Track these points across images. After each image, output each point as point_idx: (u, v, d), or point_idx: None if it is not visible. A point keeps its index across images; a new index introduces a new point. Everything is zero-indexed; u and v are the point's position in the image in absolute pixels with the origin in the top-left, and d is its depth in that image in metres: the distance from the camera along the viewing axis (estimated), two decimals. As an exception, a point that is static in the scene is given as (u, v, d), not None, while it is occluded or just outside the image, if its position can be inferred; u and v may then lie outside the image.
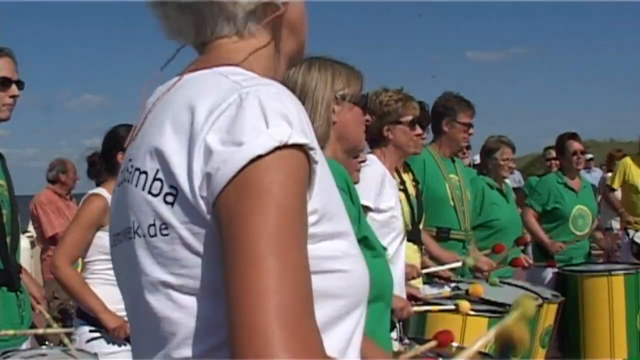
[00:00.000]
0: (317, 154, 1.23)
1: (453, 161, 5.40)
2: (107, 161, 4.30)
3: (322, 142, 2.39)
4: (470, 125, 5.33)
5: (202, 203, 1.18)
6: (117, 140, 4.12)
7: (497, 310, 4.29)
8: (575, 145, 6.62)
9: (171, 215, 1.22)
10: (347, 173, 2.57)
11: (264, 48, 1.40)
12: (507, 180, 6.63)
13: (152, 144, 1.27)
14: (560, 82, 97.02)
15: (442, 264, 4.79)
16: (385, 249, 2.81)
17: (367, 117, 2.78)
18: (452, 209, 5.19)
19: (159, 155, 1.25)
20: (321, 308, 1.20)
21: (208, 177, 1.17)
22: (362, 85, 2.70)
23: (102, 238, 4.02)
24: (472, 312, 4.14)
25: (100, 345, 3.98)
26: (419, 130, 4.20)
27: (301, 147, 1.19)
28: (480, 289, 3.99)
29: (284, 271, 1.10)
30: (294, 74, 2.54)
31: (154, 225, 1.25)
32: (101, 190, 4.15)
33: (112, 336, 3.96)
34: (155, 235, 1.24)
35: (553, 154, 9.67)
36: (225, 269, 1.13)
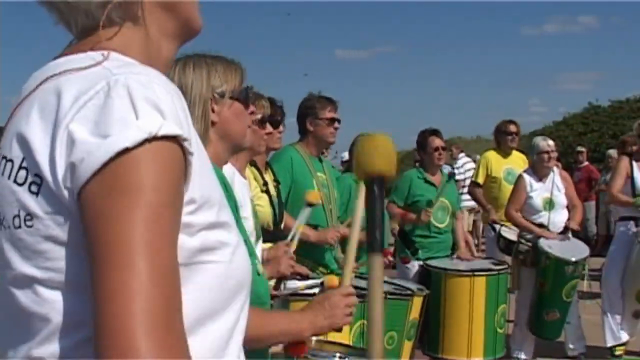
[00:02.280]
0: (193, 145, 1.18)
1: (320, 160, 5.43)
2: None
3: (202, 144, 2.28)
4: (334, 120, 5.36)
5: (66, 194, 1.13)
6: None
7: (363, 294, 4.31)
8: (437, 142, 6.74)
9: (35, 205, 1.17)
10: (226, 177, 2.48)
11: (137, 33, 1.34)
12: None
13: (18, 130, 1.22)
14: (428, 80, 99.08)
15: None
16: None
17: (252, 108, 2.66)
18: (321, 208, 5.14)
19: (24, 143, 1.20)
20: (198, 300, 1.22)
21: (72, 167, 1.12)
22: (243, 78, 2.56)
23: None
24: None
25: None
26: (268, 128, 4.12)
27: (174, 139, 1.14)
28: (335, 280, 3.91)
29: (151, 274, 1.06)
30: (169, 75, 2.30)
31: (18, 216, 1.20)
32: None
33: None
34: (20, 226, 1.20)
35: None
36: (92, 269, 1.09)
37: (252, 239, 3.61)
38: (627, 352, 7.44)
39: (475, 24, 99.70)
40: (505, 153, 8.39)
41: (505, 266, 6.23)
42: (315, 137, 5.35)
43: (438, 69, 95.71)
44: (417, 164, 7.03)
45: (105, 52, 1.26)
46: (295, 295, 4.18)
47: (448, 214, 6.65)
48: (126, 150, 1.09)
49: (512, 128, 8.36)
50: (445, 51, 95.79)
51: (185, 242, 1.19)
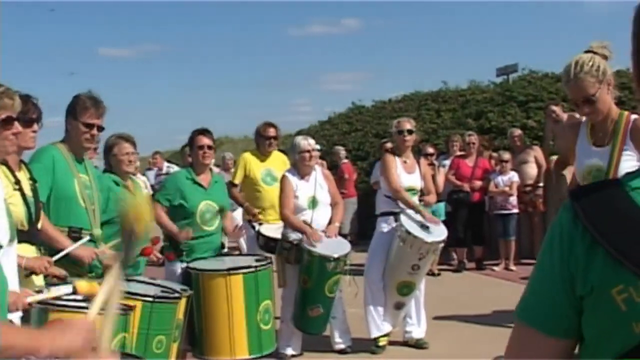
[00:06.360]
0: None
1: (82, 161, 5.25)
2: None
3: None
4: (91, 126, 5.15)
5: None
6: None
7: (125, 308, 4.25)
8: (204, 140, 6.66)
9: None
10: None
11: None
12: (142, 179, 6.52)
13: None
14: (194, 79, 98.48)
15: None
16: None
17: None
18: (83, 209, 5.06)
19: None
20: None
21: None
22: None
23: None
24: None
25: None
26: (16, 128, 3.79)
27: None
28: (85, 286, 3.83)
29: None
30: None
31: None
32: None
33: None
34: None
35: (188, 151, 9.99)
36: None
37: (6, 239, 3.48)
38: (391, 343, 7.72)
39: (241, 23, 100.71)
40: (263, 155, 8.52)
41: (267, 262, 6.25)
42: (73, 139, 5.16)
43: (204, 68, 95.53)
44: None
45: None
46: (54, 305, 4.00)
47: (216, 216, 6.59)
48: None
49: (271, 132, 8.49)
50: (211, 50, 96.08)
51: None
